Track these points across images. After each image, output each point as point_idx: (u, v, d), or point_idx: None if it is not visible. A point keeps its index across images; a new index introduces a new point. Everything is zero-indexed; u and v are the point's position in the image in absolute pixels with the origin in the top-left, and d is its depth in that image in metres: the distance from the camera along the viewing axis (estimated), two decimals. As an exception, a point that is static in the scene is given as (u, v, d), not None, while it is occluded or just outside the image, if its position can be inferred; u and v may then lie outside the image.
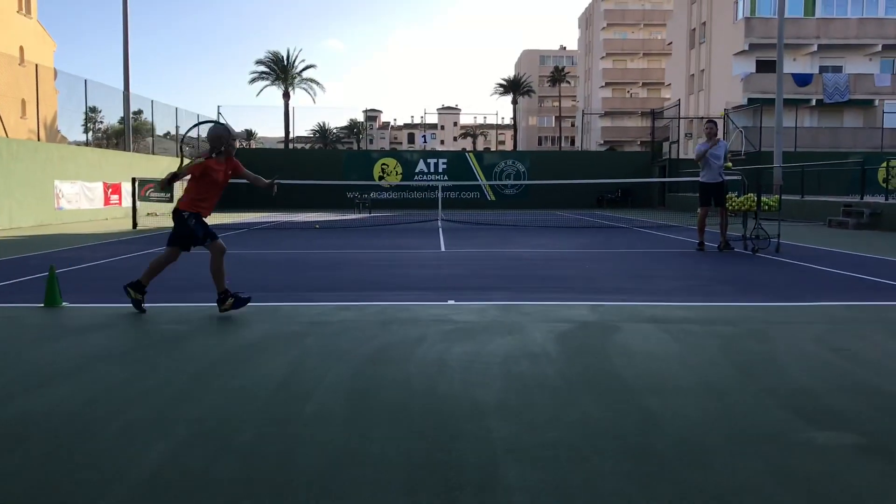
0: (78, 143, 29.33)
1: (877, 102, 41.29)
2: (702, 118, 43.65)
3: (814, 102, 40.83)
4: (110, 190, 25.02)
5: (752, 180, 15.29)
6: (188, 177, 6.76)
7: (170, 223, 6.94)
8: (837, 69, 42.47)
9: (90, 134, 32.55)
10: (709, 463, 2.98)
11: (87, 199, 23.45)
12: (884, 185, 21.67)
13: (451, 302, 7.11)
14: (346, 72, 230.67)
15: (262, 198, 35.38)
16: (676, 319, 6.14)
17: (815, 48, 41.56)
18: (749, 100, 39.46)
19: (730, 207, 12.24)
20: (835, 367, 4.55)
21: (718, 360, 4.76)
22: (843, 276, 9.01)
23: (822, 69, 42.38)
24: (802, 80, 40.10)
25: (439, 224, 20.96)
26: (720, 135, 12.48)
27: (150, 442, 3.24)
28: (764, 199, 12.23)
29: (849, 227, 18.06)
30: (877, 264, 10.27)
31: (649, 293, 7.72)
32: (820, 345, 5.17)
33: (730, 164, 12.21)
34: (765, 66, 40.72)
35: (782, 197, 14.32)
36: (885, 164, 22.31)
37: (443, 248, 13.35)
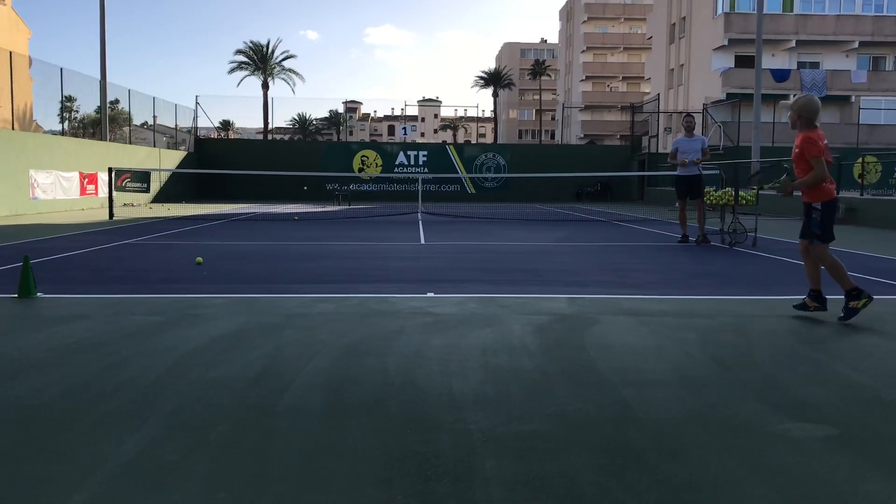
0: (53, 133, 28.94)
1: (853, 98, 41.74)
2: (681, 112, 43.96)
3: (792, 98, 41.19)
4: (86, 180, 24.73)
5: (730, 175, 15.40)
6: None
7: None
8: (815, 65, 42.88)
9: (66, 123, 32.12)
10: (684, 454, 3.00)
11: (63, 189, 23.17)
12: (859, 180, 21.93)
13: (430, 294, 7.11)
14: (326, 63, 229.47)
15: (240, 189, 35.21)
16: (654, 312, 6.18)
17: (793, 44, 41.91)
18: (728, 95, 39.77)
19: (707, 202, 12.33)
20: (809, 360, 4.61)
21: (695, 352, 4.80)
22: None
23: (800, 65, 42.77)
24: (780, 75, 40.45)
25: (419, 216, 20.93)
26: (699, 129, 12.59)
27: (125, 433, 3.21)
28: (741, 193, 12.33)
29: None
30: (851, 259, 10.39)
31: (627, 286, 7.76)
32: (795, 338, 5.23)
33: (697, 160, 12.27)
34: (743, 62, 41.02)
35: (759, 191, 14.43)
36: (860, 160, 22.58)
37: (422, 241, 13.34)
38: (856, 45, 41.96)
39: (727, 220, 12.25)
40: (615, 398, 3.78)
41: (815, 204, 5.95)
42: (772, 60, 41.73)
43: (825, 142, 5.98)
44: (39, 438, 3.16)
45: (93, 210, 23.20)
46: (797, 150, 5.97)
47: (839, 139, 39.31)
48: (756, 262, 9.99)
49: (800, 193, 6.17)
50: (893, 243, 12.81)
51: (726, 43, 41.22)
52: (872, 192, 22.72)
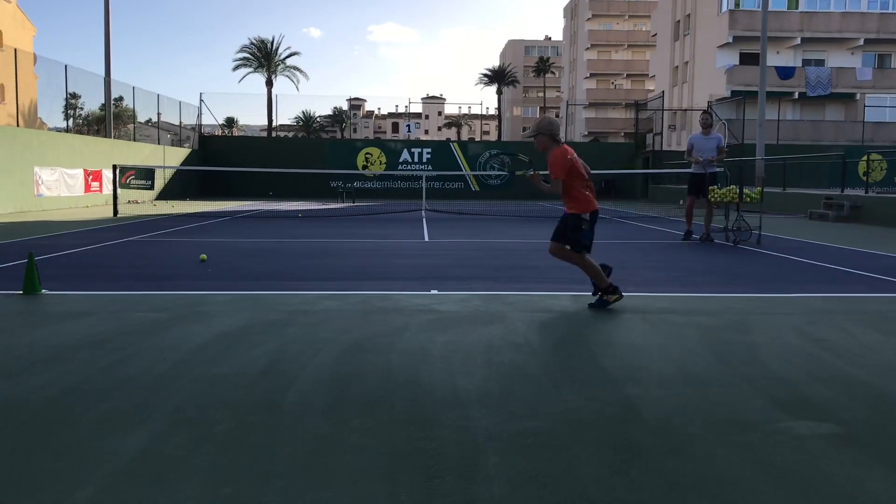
0: (58, 130, 29.00)
1: (858, 96, 41.62)
2: (685, 110, 43.91)
3: (796, 95, 41.11)
4: (91, 177, 24.76)
5: (735, 172, 15.38)
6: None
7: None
8: (820, 63, 42.74)
9: (70, 120, 32.18)
10: (688, 452, 3.00)
11: (67, 186, 23.20)
12: (864, 178, 21.88)
13: (434, 292, 7.11)
14: (329, 60, 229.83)
15: (244, 186, 35.25)
16: (657, 310, 6.17)
17: (798, 41, 41.79)
18: (732, 92, 39.63)
19: (712, 199, 12.31)
20: (813, 358, 4.60)
21: (699, 350, 4.79)
22: (823, 268, 9.09)
23: (805, 62, 42.64)
24: (785, 73, 40.33)
25: (423, 214, 20.93)
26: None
27: (129, 430, 3.21)
28: (746, 191, 12.31)
29: (829, 220, 18.21)
30: (856, 256, 10.37)
31: (631, 284, 7.75)
32: (799, 335, 5.22)
33: (712, 159, 12.25)
34: (748, 59, 40.91)
35: (764, 189, 14.41)
36: (865, 158, 22.52)
37: (426, 238, 13.33)
38: (861, 42, 41.81)
39: (731, 218, 12.23)
40: (619, 396, 3.77)
41: (583, 214, 6.18)
42: (777, 58, 41.63)
43: (571, 156, 6.21)
44: (43, 435, 3.16)
45: (97, 207, 23.24)
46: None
47: (844, 137, 39.24)
48: (760, 260, 9.97)
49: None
50: (898, 241, 12.77)
51: (731, 40, 41.10)
52: (877, 189, 22.67)
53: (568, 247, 6.33)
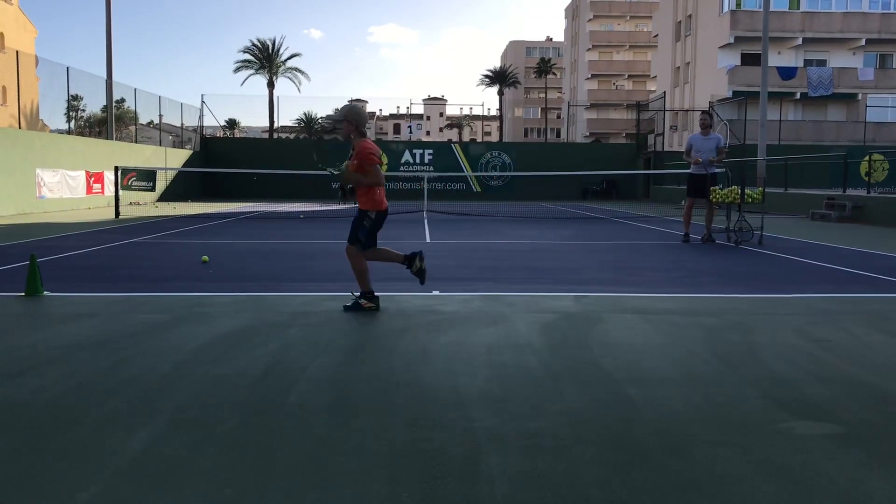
0: (60, 132, 29.02)
1: (860, 96, 41.59)
2: (687, 111, 43.88)
3: (798, 96, 41.08)
4: (92, 179, 24.78)
5: (736, 173, 15.39)
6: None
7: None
8: (822, 63, 42.70)
9: (72, 122, 32.20)
10: (689, 452, 3.00)
11: (69, 187, 23.22)
12: (866, 178, 21.85)
13: (435, 293, 7.12)
14: (330, 62, 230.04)
15: (245, 188, 35.27)
16: (659, 311, 6.17)
17: (799, 42, 41.77)
18: (734, 93, 39.62)
19: (713, 200, 12.31)
20: (815, 358, 4.59)
21: (700, 350, 4.79)
22: (824, 269, 9.09)
23: (807, 63, 42.61)
24: (787, 73, 40.28)
25: (425, 215, 20.93)
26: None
27: (132, 430, 3.22)
28: (747, 191, 12.30)
29: (831, 220, 18.19)
30: (857, 256, 10.36)
31: (633, 284, 7.76)
32: (800, 336, 5.21)
33: (712, 159, 12.24)
34: (750, 60, 40.88)
35: (766, 189, 14.40)
36: (867, 158, 22.49)
37: (428, 239, 13.33)
38: (863, 42, 41.78)
39: (733, 219, 12.22)
40: (620, 396, 3.77)
41: (370, 212, 6.41)
42: (778, 58, 41.59)
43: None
44: (45, 436, 3.17)
45: (99, 209, 23.26)
46: (357, 161, 6.25)
47: (846, 137, 39.22)
48: (761, 261, 9.96)
49: (352, 192, 6.59)
50: (900, 241, 12.76)
51: (732, 41, 41.08)
52: (879, 190, 22.63)
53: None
